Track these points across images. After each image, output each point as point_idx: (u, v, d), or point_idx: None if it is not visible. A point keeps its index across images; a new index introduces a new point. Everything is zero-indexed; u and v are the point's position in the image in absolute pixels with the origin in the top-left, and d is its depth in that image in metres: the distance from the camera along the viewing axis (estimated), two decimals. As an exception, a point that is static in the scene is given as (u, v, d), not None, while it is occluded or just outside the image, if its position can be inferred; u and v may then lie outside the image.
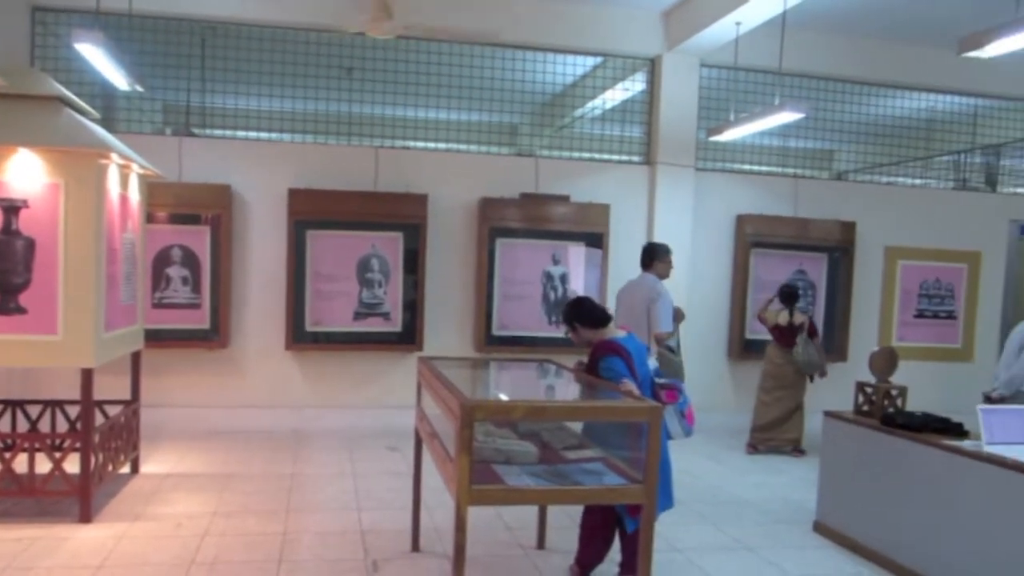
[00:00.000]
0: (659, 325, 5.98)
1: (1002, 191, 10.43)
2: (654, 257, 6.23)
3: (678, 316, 6.14)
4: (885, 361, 5.39)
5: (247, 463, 6.83)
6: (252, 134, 8.55)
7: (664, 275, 6.25)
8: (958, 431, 4.75)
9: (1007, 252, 10.00)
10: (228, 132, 8.69)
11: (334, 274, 8.10)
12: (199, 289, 7.82)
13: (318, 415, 8.17)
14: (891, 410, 5.17)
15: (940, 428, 4.77)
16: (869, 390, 5.34)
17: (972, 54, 5.35)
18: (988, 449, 4.31)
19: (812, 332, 7.86)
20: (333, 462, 6.97)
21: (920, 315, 9.77)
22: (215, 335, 7.86)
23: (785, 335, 7.82)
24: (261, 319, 8.08)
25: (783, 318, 7.83)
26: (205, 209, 7.81)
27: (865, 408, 5.34)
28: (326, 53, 8.20)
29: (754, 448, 8.03)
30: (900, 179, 10.79)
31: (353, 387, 8.29)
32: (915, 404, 5.33)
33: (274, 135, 8.61)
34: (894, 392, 5.25)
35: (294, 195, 7.95)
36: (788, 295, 7.88)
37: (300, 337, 8.04)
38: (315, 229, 8.03)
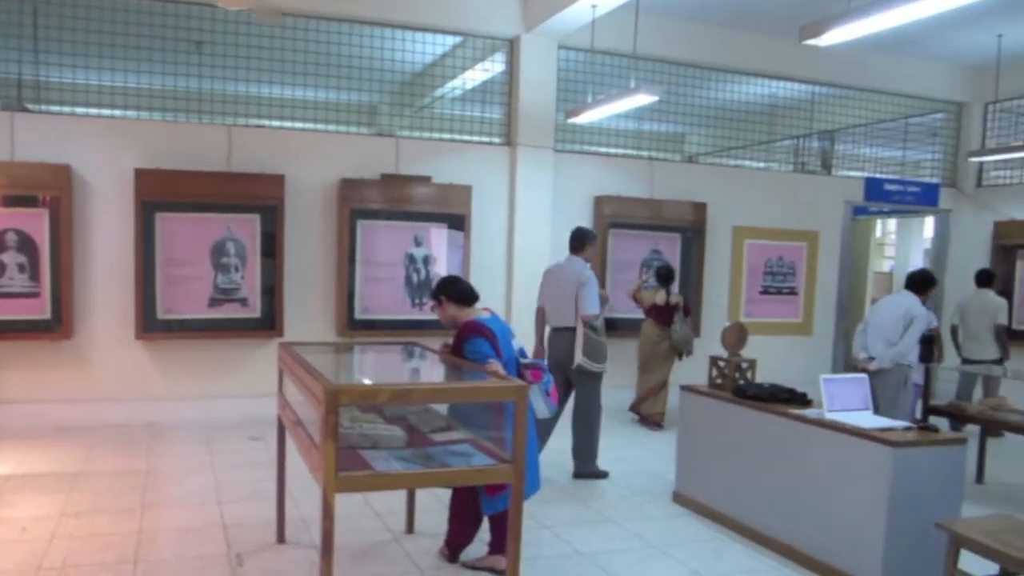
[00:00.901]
0: (586, 308, 6.19)
1: (836, 174, 11.12)
2: (585, 242, 6.44)
3: (604, 301, 6.38)
4: (735, 336, 5.66)
5: (97, 460, 6.48)
6: (93, 110, 8.01)
7: (590, 260, 6.52)
8: (802, 400, 5.07)
9: (842, 231, 10.71)
10: (67, 108, 8.09)
11: (186, 259, 7.73)
12: (38, 276, 7.31)
13: (174, 407, 7.82)
14: (742, 382, 5.45)
15: (786, 398, 5.07)
16: (721, 364, 5.59)
17: (811, 42, 5.68)
18: (829, 416, 4.62)
19: (687, 312, 8.22)
20: (191, 455, 6.71)
21: (765, 291, 10.32)
22: (57, 325, 7.37)
23: (662, 314, 8.13)
24: (108, 307, 7.64)
25: (660, 298, 8.12)
26: (42, 190, 7.28)
27: (718, 381, 5.60)
28: (173, 25, 7.77)
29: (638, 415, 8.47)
30: (746, 162, 11.33)
31: (210, 376, 7.98)
32: (763, 376, 5.61)
33: (118, 112, 8.11)
34: (744, 365, 5.54)
35: (141, 175, 7.52)
36: (664, 276, 8.18)
37: (151, 326, 7.66)
38: (165, 211, 7.63)
